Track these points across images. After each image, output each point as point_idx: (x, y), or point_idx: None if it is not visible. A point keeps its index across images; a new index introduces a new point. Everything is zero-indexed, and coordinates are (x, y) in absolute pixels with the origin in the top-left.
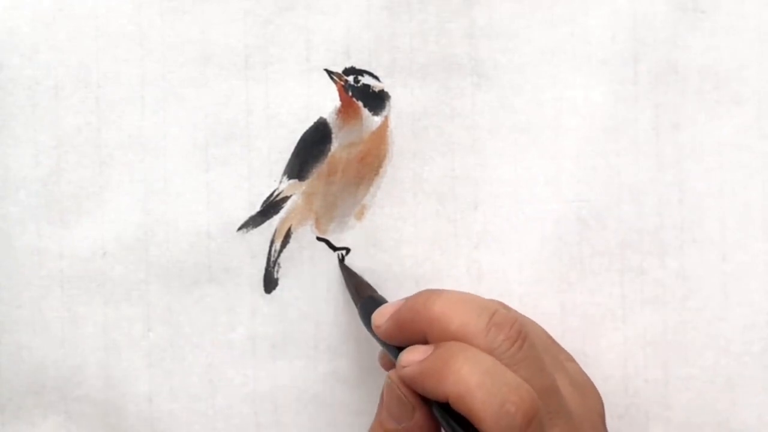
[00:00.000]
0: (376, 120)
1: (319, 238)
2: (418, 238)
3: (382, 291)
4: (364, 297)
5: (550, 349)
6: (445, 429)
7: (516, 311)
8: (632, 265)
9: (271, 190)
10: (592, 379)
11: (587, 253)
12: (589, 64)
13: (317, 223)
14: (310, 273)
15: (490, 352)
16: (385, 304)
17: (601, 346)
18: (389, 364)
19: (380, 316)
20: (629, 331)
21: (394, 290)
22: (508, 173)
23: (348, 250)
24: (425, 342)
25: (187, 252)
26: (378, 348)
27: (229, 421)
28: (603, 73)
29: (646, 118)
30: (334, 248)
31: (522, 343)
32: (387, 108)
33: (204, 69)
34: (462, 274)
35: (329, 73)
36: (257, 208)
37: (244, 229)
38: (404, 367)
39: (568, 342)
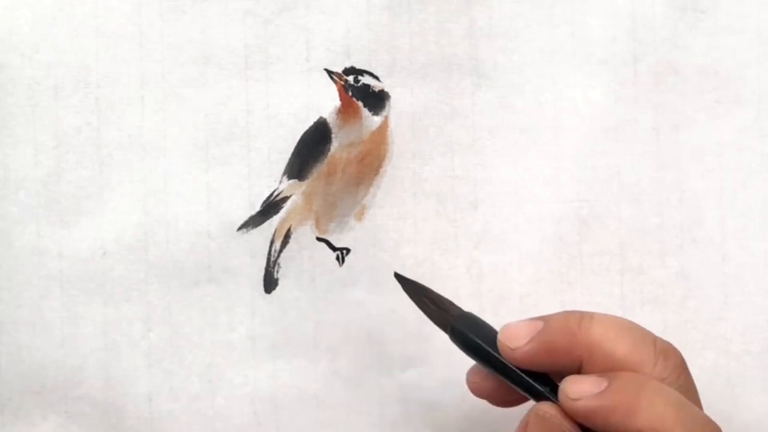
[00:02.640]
0: (376, 120)
1: (319, 239)
2: (418, 238)
3: (382, 291)
4: (454, 313)
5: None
6: None
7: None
8: (632, 265)
9: (271, 190)
10: None
11: (587, 253)
12: (589, 64)
13: (317, 223)
14: (310, 273)
15: (660, 381)
16: (514, 324)
17: None
18: (483, 389)
19: (516, 339)
20: None
21: (395, 290)
22: (508, 173)
23: (348, 250)
24: (576, 368)
25: (187, 252)
26: (463, 364)
27: (229, 421)
28: (603, 73)
29: (646, 118)
30: (334, 248)
31: (684, 371)
32: (387, 108)
33: (204, 69)
34: (462, 274)
35: (329, 73)
36: (257, 208)
37: (244, 229)
38: (575, 399)
39: None
